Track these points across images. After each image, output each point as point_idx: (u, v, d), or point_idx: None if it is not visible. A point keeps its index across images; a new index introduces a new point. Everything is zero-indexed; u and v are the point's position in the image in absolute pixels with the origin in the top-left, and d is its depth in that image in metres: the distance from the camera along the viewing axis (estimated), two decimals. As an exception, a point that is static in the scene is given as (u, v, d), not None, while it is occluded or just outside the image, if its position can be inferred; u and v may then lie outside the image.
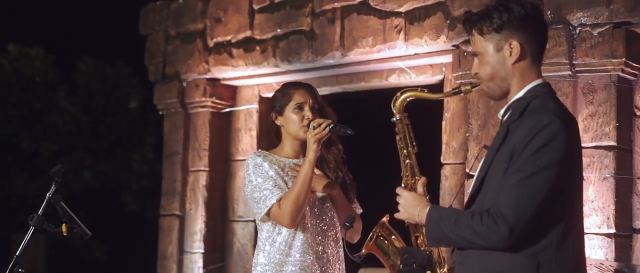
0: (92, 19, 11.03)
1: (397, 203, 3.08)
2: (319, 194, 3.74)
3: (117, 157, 10.94)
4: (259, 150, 3.84)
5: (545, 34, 2.99)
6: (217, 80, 6.51)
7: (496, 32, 2.92)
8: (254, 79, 6.32)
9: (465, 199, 3.09)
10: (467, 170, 5.10)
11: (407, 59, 5.54)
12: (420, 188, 3.15)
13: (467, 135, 5.13)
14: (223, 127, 6.60)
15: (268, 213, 3.66)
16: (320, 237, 3.72)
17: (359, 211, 3.84)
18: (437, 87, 5.54)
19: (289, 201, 3.61)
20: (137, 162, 10.80)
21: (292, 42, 5.95)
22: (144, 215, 10.36)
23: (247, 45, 6.21)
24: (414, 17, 5.34)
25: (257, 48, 6.14)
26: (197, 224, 6.49)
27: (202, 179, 6.52)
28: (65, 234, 4.54)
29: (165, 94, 6.72)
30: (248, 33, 6.22)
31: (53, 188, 4.46)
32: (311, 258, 3.68)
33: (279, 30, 6.01)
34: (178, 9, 6.70)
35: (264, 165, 3.70)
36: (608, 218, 4.52)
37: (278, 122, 3.77)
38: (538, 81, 2.96)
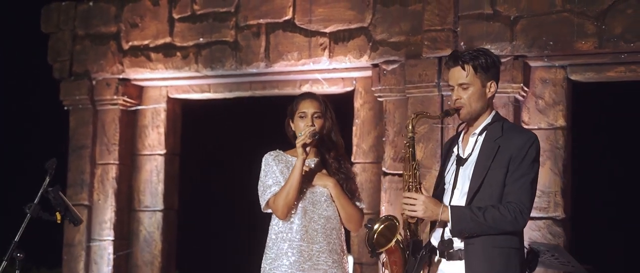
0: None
1: (407, 204, 3.85)
2: (319, 189, 4.34)
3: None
4: (276, 150, 4.43)
5: None
6: (127, 80, 7.03)
7: (484, 72, 3.95)
8: (176, 81, 6.91)
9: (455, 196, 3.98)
10: (384, 169, 6.11)
11: (325, 72, 6.44)
12: (425, 193, 4.00)
13: (384, 139, 6.14)
14: (130, 124, 7.13)
15: (266, 205, 4.35)
16: (317, 227, 4.29)
17: (361, 206, 4.43)
18: (348, 97, 6.50)
19: (280, 197, 4.27)
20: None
21: (215, 51, 6.64)
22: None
23: (167, 50, 6.81)
24: (339, 38, 6.26)
25: (178, 54, 6.76)
26: (107, 213, 6.96)
27: (112, 172, 7.00)
28: (59, 222, 5.02)
29: (73, 90, 7.10)
30: (168, 39, 6.82)
31: (48, 179, 4.93)
32: (305, 246, 4.27)
33: (201, 39, 6.68)
34: (87, 10, 7.13)
35: (272, 164, 4.35)
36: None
37: (292, 127, 4.44)
38: (494, 111, 4.03)
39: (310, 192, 4.34)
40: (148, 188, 7.04)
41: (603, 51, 5.55)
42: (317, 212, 4.33)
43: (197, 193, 7.94)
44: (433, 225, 4.09)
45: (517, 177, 3.85)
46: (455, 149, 4.07)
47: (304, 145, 4.23)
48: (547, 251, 5.02)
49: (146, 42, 6.90)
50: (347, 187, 4.41)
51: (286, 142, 4.50)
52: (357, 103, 6.43)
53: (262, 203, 4.35)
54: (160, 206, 7.01)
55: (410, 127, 3.99)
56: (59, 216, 4.94)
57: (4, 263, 4.77)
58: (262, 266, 4.38)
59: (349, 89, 6.51)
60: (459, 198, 3.95)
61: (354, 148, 6.36)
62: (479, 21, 5.80)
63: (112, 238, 6.95)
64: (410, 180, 3.97)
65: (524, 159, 3.86)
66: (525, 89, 5.80)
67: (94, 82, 7.06)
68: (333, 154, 4.41)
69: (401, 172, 5.93)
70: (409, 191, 3.94)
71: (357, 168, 6.31)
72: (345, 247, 4.41)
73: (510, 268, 3.89)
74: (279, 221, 4.35)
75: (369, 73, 6.27)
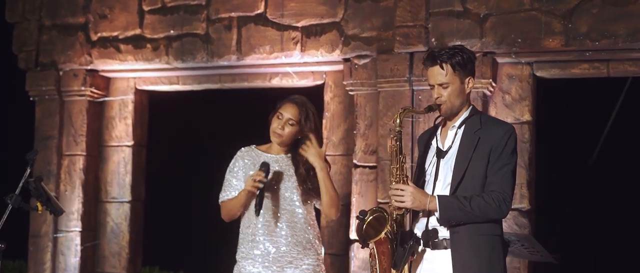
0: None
1: (396, 196, 4.00)
2: (285, 184, 4.49)
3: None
4: (250, 146, 4.62)
5: None
6: (95, 71, 7.02)
7: (462, 69, 4.12)
8: (146, 73, 6.93)
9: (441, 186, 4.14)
10: (355, 162, 6.24)
11: (296, 66, 6.54)
12: (412, 184, 4.12)
13: (355, 132, 6.27)
14: (97, 115, 7.12)
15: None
16: (283, 220, 4.47)
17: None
18: (318, 89, 6.61)
19: (226, 206, 4.53)
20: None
21: (186, 44, 6.69)
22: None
23: (137, 42, 6.83)
24: (311, 32, 6.37)
25: (148, 46, 6.79)
26: (74, 204, 6.96)
27: (79, 163, 7.00)
28: (40, 212, 5.06)
29: (40, 81, 7.07)
30: (138, 31, 6.84)
31: (28, 170, 4.96)
32: (271, 239, 4.46)
33: (172, 31, 6.72)
34: (54, 1, 7.09)
35: (238, 163, 4.56)
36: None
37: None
38: (472, 105, 4.21)
39: (276, 187, 4.50)
40: (115, 180, 7.06)
41: (569, 49, 5.77)
42: (283, 207, 4.49)
43: (164, 185, 7.97)
44: (416, 216, 4.24)
45: (499, 167, 4.02)
46: (434, 142, 4.23)
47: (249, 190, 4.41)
48: (517, 241, 5.20)
49: (115, 33, 6.90)
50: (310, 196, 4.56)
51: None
52: (327, 96, 6.55)
53: (219, 201, 4.60)
54: (128, 197, 7.03)
55: (397, 121, 4.14)
56: (40, 206, 4.98)
57: (-13, 253, 4.79)
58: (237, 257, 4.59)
59: (319, 82, 6.63)
60: (442, 189, 4.10)
61: (325, 141, 6.47)
62: (450, 18, 5.97)
63: (79, 229, 6.95)
64: (398, 172, 4.09)
65: (504, 150, 4.04)
66: (493, 84, 5.99)
67: (61, 73, 7.04)
68: (300, 174, 4.54)
69: (372, 164, 6.16)
70: (396, 183, 4.06)
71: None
72: (315, 239, 4.56)
73: (495, 255, 4.07)
74: (246, 214, 4.55)
75: (339, 67, 6.39)
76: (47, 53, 7.08)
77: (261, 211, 4.43)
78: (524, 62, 5.97)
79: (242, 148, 4.63)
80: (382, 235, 4.08)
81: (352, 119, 6.36)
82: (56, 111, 7.05)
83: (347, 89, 6.29)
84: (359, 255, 6.14)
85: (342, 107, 6.48)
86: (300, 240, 4.49)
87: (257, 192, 4.39)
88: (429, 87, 5.84)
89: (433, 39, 5.99)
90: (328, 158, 6.33)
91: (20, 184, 4.92)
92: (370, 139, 6.18)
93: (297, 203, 4.53)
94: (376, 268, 4.17)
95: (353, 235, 6.16)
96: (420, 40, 5.99)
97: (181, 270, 8.23)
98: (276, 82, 6.72)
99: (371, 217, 4.09)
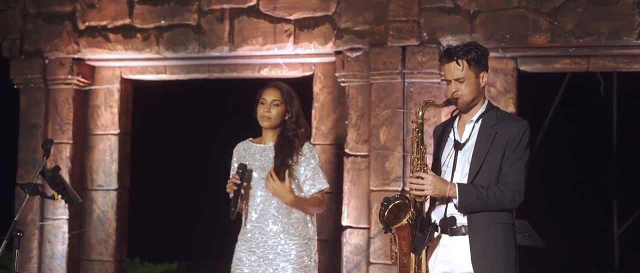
0: None
1: (416, 183, 4.25)
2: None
3: None
4: (245, 140, 4.87)
5: None
6: (82, 60, 7.06)
7: (476, 64, 4.39)
8: (136, 62, 7.00)
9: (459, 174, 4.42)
10: (347, 151, 6.46)
11: (288, 58, 6.72)
12: (431, 173, 4.37)
13: (346, 122, 6.48)
14: (83, 103, 7.17)
15: None
16: (270, 209, 4.68)
17: (323, 187, 4.80)
18: (307, 80, 6.80)
19: None
20: None
21: (177, 34, 6.79)
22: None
23: (127, 32, 6.89)
24: (304, 25, 6.55)
25: (138, 35, 6.86)
26: (61, 193, 6.98)
27: (66, 151, 7.04)
28: (57, 201, 5.16)
29: (25, 69, 7.07)
30: (127, 21, 6.90)
31: (45, 159, 5.06)
32: (259, 226, 4.71)
33: (163, 21, 6.81)
34: (38, -11, 7.11)
35: (234, 159, 4.84)
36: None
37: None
38: (487, 99, 4.49)
39: (262, 178, 4.70)
40: (101, 168, 7.12)
41: (554, 45, 6.09)
42: (268, 196, 4.69)
43: (148, 173, 8.05)
44: (433, 203, 4.50)
45: (513, 160, 4.30)
46: (451, 135, 4.48)
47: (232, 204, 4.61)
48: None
49: (104, 22, 6.95)
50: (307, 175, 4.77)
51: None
52: (316, 87, 6.74)
53: None
54: (115, 185, 7.10)
55: (419, 113, 4.36)
56: (56, 196, 5.07)
57: (5, 242, 4.86)
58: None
59: (308, 73, 6.81)
60: (460, 179, 4.35)
61: (314, 131, 6.67)
62: (441, 14, 6.23)
63: (66, 217, 6.99)
64: (418, 162, 4.32)
65: (519, 144, 4.32)
66: (481, 77, 6.27)
67: (46, 61, 7.06)
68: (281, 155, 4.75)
69: (364, 153, 6.39)
70: (417, 172, 4.30)
71: (315, 150, 6.62)
72: (303, 227, 4.74)
73: (509, 242, 4.36)
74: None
75: (328, 59, 6.59)
76: (32, 41, 7.09)
77: (235, 211, 4.60)
78: (508, 57, 6.27)
79: (238, 144, 4.88)
80: (404, 221, 4.30)
81: (341, 109, 6.57)
82: (42, 99, 7.07)
83: (339, 80, 6.50)
84: (351, 241, 6.37)
85: (332, 97, 6.69)
86: (287, 228, 4.70)
87: (232, 195, 4.61)
88: (425, 80, 6.18)
89: (425, 34, 6.24)
90: (317, 147, 6.61)
91: (37, 173, 5.02)
92: (362, 129, 6.41)
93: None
94: (396, 253, 4.41)
95: (345, 221, 6.38)
96: (413, 34, 6.23)
97: (165, 258, 8.34)
98: (265, 73, 6.87)
99: (393, 204, 4.29)
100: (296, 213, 4.73)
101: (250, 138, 4.87)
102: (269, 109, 4.73)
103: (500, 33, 6.14)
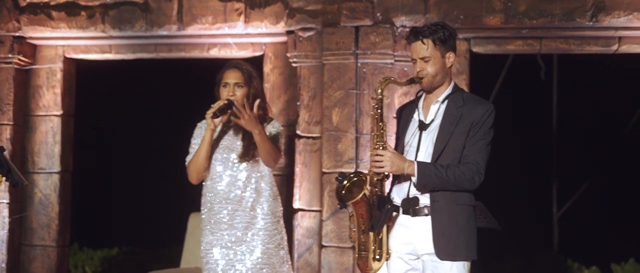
0: None
1: (375, 161, 4.23)
2: (233, 155, 4.76)
3: None
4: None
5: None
6: (23, 38, 6.81)
7: (442, 44, 4.35)
8: (80, 41, 6.77)
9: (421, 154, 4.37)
10: (299, 132, 6.36)
11: (238, 37, 6.57)
12: (390, 149, 4.40)
13: (298, 103, 6.38)
14: (25, 83, 6.92)
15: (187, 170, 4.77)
16: (233, 189, 4.72)
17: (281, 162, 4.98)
18: (257, 60, 6.67)
19: (191, 163, 4.73)
20: None
21: (124, 12, 6.58)
22: None
23: (70, 9, 6.66)
24: (255, 4, 6.41)
25: (83, 13, 6.63)
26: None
27: (6, 133, 6.78)
28: (1, 183, 4.97)
29: (-37, 48, 6.80)
30: (71, -2, 6.68)
31: (-11, 141, 4.86)
32: (222, 206, 4.72)
33: (108, -1, 6.61)
34: (-23, -36, 6.82)
35: (197, 133, 4.82)
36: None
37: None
38: (453, 81, 4.46)
39: (225, 157, 4.73)
40: (43, 150, 6.89)
41: (508, 26, 6.08)
42: (233, 175, 4.72)
43: (92, 155, 7.83)
44: (394, 183, 4.44)
45: (475, 140, 4.27)
46: (415, 115, 4.43)
47: (214, 116, 4.59)
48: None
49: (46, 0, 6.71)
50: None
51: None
52: (267, 68, 6.62)
53: (186, 163, 4.80)
54: (57, 168, 6.88)
55: (379, 90, 4.31)
56: (0, 178, 4.87)
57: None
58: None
59: (258, 53, 6.68)
60: (423, 159, 4.31)
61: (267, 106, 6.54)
62: (395, -6, 6.17)
63: (7, 201, 6.75)
64: (378, 139, 4.29)
65: (483, 126, 4.29)
66: (434, 58, 6.23)
67: (-15, 40, 6.79)
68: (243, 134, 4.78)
69: (316, 134, 6.30)
70: (376, 149, 4.26)
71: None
72: (268, 206, 4.80)
73: (470, 222, 4.34)
74: (205, 184, 4.79)
75: (279, 39, 6.47)
76: (-30, 19, 6.81)
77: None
78: (461, 38, 6.23)
79: (199, 123, 4.85)
80: (359, 196, 4.27)
81: (293, 90, 6.46)
82: (-19, 79, 6.81)
83: (291, 60, 6.38)
84: (303, 224, 6.28)
85: (283, 78, 6.57)
86: (249, 206, 4.73)
87: (214, 125, 4.57)
88: (378, 61, 6.12)
89: (378, 14, 6.16)
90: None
91: (-18, 156, 4.81)
92: (314, 110, 6.31)
93: (244, 173, 4.77)
94: (354, 231, 4.37)
95: (297, 204, 6.29)
96: (367, 14, 6.15)
97: (105, 243, 8.15)
98: (214, 53, 6.73)
99: (348, 182, 4.25)
100: (253, 193, 4.75)
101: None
102: (233, 91, 4.70)
103: (454, 13, 6.10)
